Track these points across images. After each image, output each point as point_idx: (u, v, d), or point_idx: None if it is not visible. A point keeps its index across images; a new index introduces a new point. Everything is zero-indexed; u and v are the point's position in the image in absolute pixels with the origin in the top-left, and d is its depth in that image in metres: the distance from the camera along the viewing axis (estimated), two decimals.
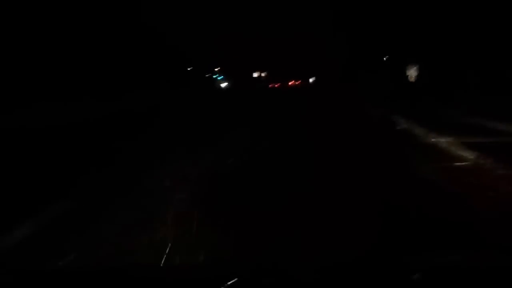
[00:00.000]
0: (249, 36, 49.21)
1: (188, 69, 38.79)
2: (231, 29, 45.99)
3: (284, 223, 3.68)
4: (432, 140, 8.04)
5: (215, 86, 42.35)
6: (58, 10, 17.90)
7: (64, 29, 18.32)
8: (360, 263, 1.59)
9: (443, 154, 6.74)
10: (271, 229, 3.56)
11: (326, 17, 34.88)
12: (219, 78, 48.33)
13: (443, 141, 7.70)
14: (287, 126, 12.20)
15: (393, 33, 21.94)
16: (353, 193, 4.55)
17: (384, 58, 25.06)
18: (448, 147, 7.18)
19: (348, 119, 13.68)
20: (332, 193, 4.58)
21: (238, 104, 22.59)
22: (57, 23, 17.79)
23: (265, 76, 60.34)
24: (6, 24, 15.28)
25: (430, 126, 9.27)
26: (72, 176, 5.76)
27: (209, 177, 5.57)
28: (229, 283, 1.38)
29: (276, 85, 54.51)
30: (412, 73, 20.66)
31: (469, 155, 6.37)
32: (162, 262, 2.93)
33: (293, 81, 59.41)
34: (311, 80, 57.96)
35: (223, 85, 45.67)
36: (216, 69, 49.24)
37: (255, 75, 59.96)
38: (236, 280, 1.40)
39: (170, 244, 3.18)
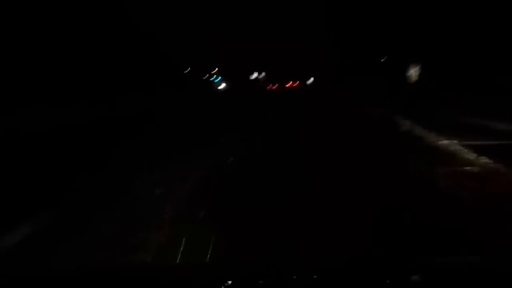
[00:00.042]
0: (246, 38, 49.26)
1: (185, 71, 38.74)
2: (228, 31, 46.08)
3: (285, 225, 3.67)
4: (441, 142, 7.90)
5: (212, 88, 42.27)
6: (50, 14, 17.79)
7: (56, 33, 18.20)
8: (358, 265, 1.57)
9: (449, 157, 6.61)
10: (272, 231, 3.55)
11: (322, 18, 34.96)
12: (216, 80, 48.35)
13: (448, 143, 7.59)
14: (289, 127, 12.18)
15: (392, 34, 21.95)
16: (355, 195, 4.49)
17: (382, 60, 25.01)
18: (454, 149, 7.07)
19: (349, 120, 13.71)
20: (335, 196, 4.53)
21: (236, 106, 22.55)
22: (48, 27, 17.68)
23: (263, 78, 60.38)
24: None
25: (433, 127, 9.20)
26: (60, 184, 5.55)
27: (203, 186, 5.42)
28: (226, 284, 1.40)
29: (273, 87, 54.50)
30: (412, 73, 20.62)
31: (475, 158, 6.24)
32: None
33: (290, 83, 59.51)
34: (308, 81, 58.05)
35: (221, 87, 45.63)
36: (213, 71, 49.31)
37: (253, 76, 60.00)
38: (233, 282, 1.42)
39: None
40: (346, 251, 2.98)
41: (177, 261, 3.06)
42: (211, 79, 48.29)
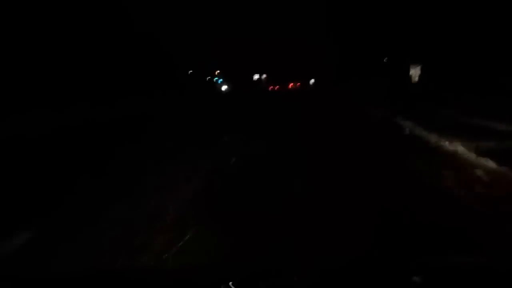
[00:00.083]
0: (246, 38, 49.27)
1: (189, 72, 38.85)
2: (230, 32, 46.09)
3: (286, 225, 3.69)
4: (441, 143, 7.70)
5: (215, 89, 42.34)
6: (50, 15, 17.77)
7: (56, 34, 18.11)
8: (358, 265, 1.59)
9: (451, 159, 6.39)
10: (272, 231, 3.55)
11: (322, 18, 34.95)
12: (219, 81, 48.29)
13: (453, 145, 7.29)
14: (290, 127, 12.09)
15: (392, 34, 21.95)
16: (356, 196, 4.48)
17: (384, 60, 25.05)
18: (460, 152, 6.78)
19: (350, 121, 13.57)
20: (336, 197, 4.52)
21: (239, 108, 22.49)
22: (48, 28, 17.59)
23: (265, 79, 60.39)
24: None
25: (437, 128, 9.01)
26: (60, 186, 5.55)
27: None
28: (227, 285, 1.40)
29: (276, 88, 54.42)
30: (414, 73, 20.58)
31: (478, 159, 6.01)
32: None
33: (292, 84, 59.33)
34: (309, 82, 57.91)
35: (224, 88, 45.66)
36: (216, 72, 49.27)
37: (255, 78, 59.98)
38: (233, 283, 1.42)
39: None
40: (346, 251, 3.00)
41: (178, 263, 3.03)
42: (214, 80, 48.27)
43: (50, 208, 4.57)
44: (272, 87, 55.87)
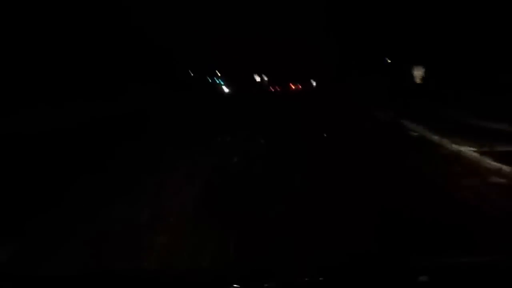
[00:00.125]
0: (247, 39, 49.24)
1: (192, 74, 38.91)
2: (230, 33, 46.02)
3: (287, 225, 3.71)
4: (454, 149, 7.46)
5: (216, 91, 42.35)
6: (49, 14, 17.60)
7: (55, 33, 17.96)
8: (358, 265, 1.59)
9: (467, 166, 6.13)
10: (273, 231, 3.57)
11: (322, 18, 34.91)
12: (219, 83, 48.33)
13: (467, 150, 7.06)
14: (291, 128, 12.06)
15: (396, 34, 21.89)
16: (365, 200, 4.46)
17: (389, 60, 24.96)
18: (476, 158, 6.55)
19: (354, 123, 13.52)
20: (338, 198, 4.55)
21: (240, 109, 22.31)
22: (48, 27, 17.42)
23: (266, 80, 60.44)
24: None
25: (446, 131, 8.83)
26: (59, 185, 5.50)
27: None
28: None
29: (277, 89, 54.40)
30: (417, 74, 20.51)
31: (496, 166, 5.82)
32: None
33: (293, 84, 59.36)
34: (310, 83, 57.94)
35: (225, 89, 45.67)
36: (215, 73, 49.37)
37: (255, 78, 60.03)
38: (238, 286, 1.41)
39: None
40: (346, 251, 3.02)
41: (180, 265, 3.03)
42: (218, 81, 48.32)
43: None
44: (273, 88, 55.86)
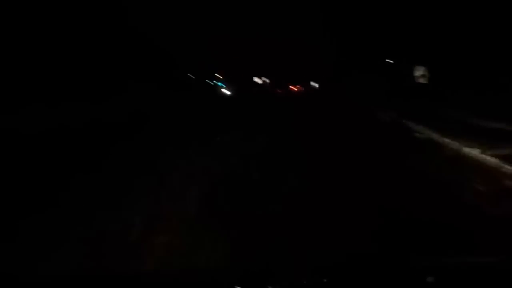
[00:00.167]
0: (248, 40, 49.26)
1: (193, 77, 38.93)
2: (229, 33, 46.07)
3: (287, 225, 3.71)
4: (464, 152, 7.32)
5: (216, 92, 42.34)
6: (49, 14, 17.60)
7: (53, 33, 17.96)
8: (358, 265, 1.60)
9: (486, 173, 5.93)
10: (273, 231, 3.57)
11: (322, 18, 34.93)
12: (219, 84, 48.36)
13: (477, 153, 6.95)
14: (291, 128, 12.07)
15: (396, 34, 21.91)
16: (372, 204, 4.43)
17: (391, 61, 24.94)
18: (488, 162, 6.45)
19: (356, 123, 13.54)
20: (339, 199, 4.53)
21: (240, 110, 22.20)
22: (47, 27, 17.44)
23: (266, 81, 60.51)
24: None
25: (453, 133, 8.72)
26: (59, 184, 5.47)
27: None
28: None
29: (278, 90, 54.40)
30: (419, 74, 20.51)
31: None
32: None
33: (293, 85, 59.35)
34: (310, 83, 57.95)
35: (225, 90, 45.68)
36: (215, 74, 49.41)
37: (255, 79, 60.08)
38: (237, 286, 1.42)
39: None
40: (346, 251, 3.03)
41: (180, 266, 3.04)
42: (219, 84, 48.35)
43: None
44: (273, 89, 55.87)
